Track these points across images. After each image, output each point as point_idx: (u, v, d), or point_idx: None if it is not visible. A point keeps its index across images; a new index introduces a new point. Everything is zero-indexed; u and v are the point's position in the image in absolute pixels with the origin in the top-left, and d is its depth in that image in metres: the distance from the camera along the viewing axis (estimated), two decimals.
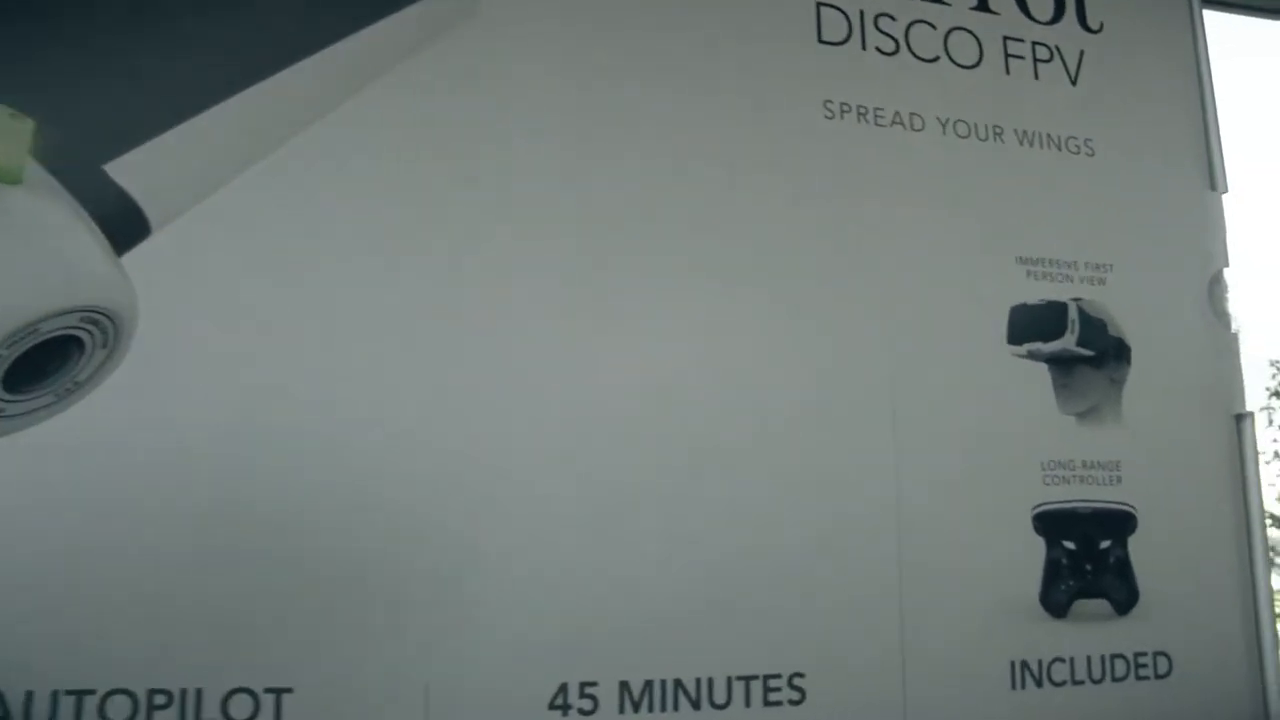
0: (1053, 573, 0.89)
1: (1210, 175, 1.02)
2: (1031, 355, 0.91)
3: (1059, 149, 0.97)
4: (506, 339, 0.80)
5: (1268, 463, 4.38)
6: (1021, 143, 0.96)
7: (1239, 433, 0.98)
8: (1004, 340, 0.91)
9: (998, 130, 0.95)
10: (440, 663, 0.74)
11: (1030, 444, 0.90)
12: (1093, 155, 0.98)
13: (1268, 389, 4.47)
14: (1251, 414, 0.98)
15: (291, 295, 0.76)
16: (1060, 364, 0.92)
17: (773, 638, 0.81)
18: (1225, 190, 1.02)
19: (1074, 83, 0.99)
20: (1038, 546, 0.89)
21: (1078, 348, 0.93)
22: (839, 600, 0.83)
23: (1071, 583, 0.89)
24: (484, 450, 0.78)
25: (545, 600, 0.77)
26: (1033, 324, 0.92)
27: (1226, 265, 1.01)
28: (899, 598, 0.84)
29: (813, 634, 0.82)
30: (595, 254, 0.84)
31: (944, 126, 0.94)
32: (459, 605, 0.75)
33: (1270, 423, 4.36)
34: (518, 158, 0.84)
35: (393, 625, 0.74)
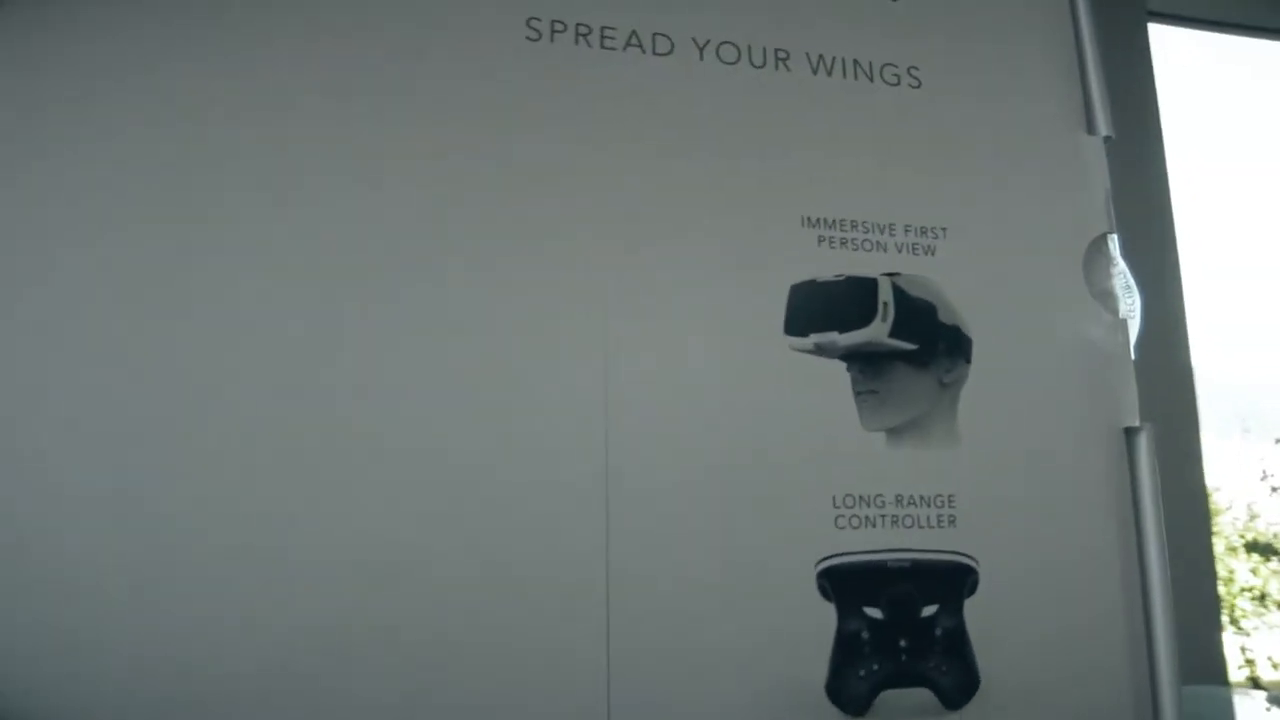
0: (847, 652, 0.63)
1: (1087, 115, 0.77)
2: (821, 350, 0.66)
3: (870, 79, 0.73)
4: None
5: None
6: (816, 70, 0.71)
7: (1130, 454, 0.72)
8: (780, 330, 0.66)
9: (781, 55, 0.71)
10: None
11: (815, 472, 0.65)
12: (918, 87, 0.73)
13: None
14: (1145, 427, 0.72)
15: None
16: (865, 362, 0.67)
17: None
18: (1107, 134, 0.77)
19: None
20: (825, 615, 0.64)
21: (891, 339, 0.68)
22: (518, 691, 0.58)
23: (876, 666, 0.64)
24: None
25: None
26: (824, 307, 0.67)
27: (1110, 230, 0.76)
28: (606, 686, 0.59)
29: None
30: (220, 212, 0.60)
31: (701, 50, 0.70)
32: None
33: None
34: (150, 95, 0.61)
35: None
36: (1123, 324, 0.72)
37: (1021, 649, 0.65)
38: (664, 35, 0.67)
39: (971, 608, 0.63)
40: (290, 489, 0.56)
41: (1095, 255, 0.72)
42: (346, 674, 0.55)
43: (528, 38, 0.65)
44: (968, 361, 0.66)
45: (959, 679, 0.62)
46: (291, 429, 0.57)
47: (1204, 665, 2.02)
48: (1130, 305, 0.76)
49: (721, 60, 0.67)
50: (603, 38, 0.66)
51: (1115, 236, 0.74)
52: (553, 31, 0.65)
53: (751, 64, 0.68)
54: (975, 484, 0.65)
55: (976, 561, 0.63)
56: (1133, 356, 0.73)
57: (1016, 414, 0.68)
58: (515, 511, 0.58)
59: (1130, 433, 0.69)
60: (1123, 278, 0.75)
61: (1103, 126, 0.75)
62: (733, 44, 0.68)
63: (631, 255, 0.62)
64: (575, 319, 0.61)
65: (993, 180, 0.71)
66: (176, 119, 0.60)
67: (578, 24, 0.65)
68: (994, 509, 0.65)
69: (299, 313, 0.58)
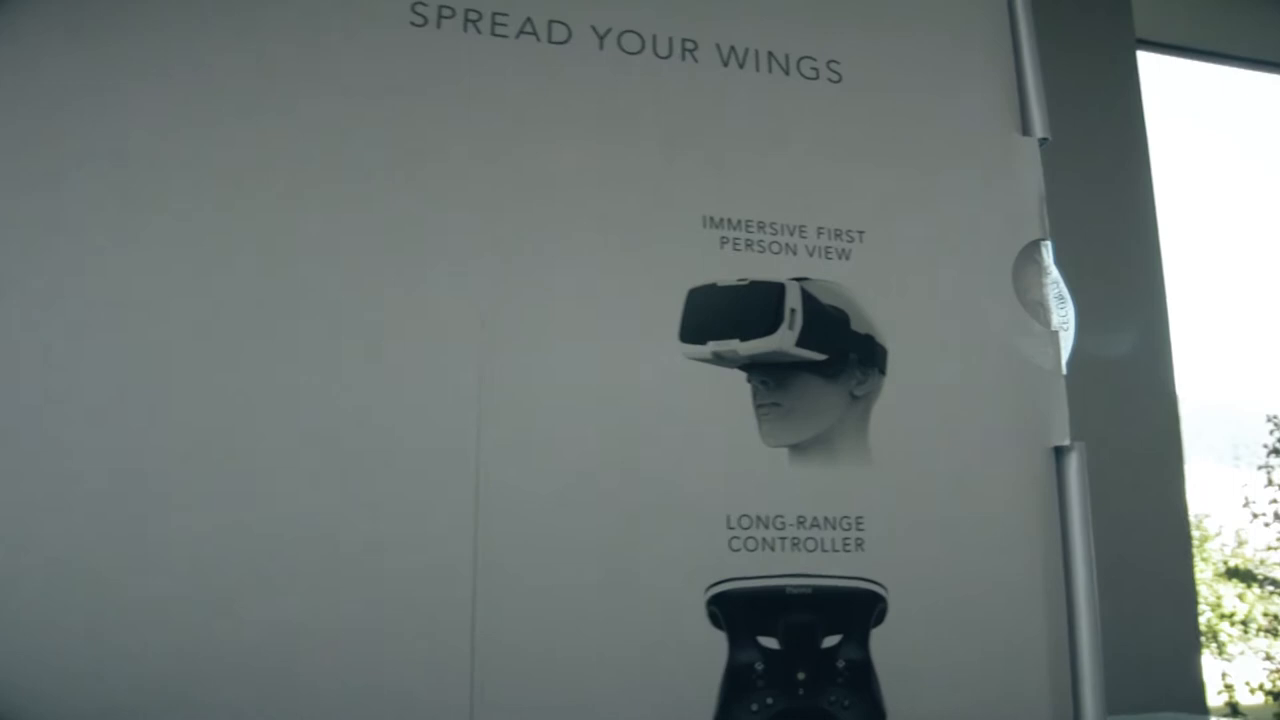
0: (739, 684, 0.58)
1: (1023, 115, 0.73)
2: (720, 359, 0.62)
3: (786, 72, 0.68)
4: None
5: (1267, 525, 3.97)
6: (726, 62, 0.67)
7: (1059, 474, 0.67)
8: (675, 337, 0.62)
9: (689, 45, 0.67)
10: None
11: (709, 490, 0.60)
12: (838, 82, 0.69)
13: (1265, 446, 4.08)
14: (1077, 446, 0.67)
15: None
16: (768, 372, 0.62)
17: None
18: (1043, 136, 0.72)
19: None
20: (716, 645, 0.59)
21: (798, 349, 0.63)
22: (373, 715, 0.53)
23: (770, 700, 0.59)
24: None
25: None
26: (725, 313, 0.62)
27: (1044, 237, 0.72)
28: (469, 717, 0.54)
29: None
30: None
31: (602, 39, 0.65)
32: None
33: (1270, 482, 3.98)
34: None
35: None
36: (1054, 336, 0.67)
37: (933, 683, 0.60)
38: (561, 23, 0.63)
39: (879, 638, 0.58)
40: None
41: (1027, 263, 0.68)
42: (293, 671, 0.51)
43: (413, 23, 0.60)
44: (882, 373, 0.62)
45: (862, 715, 0.58)
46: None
47: (1182, 691, 1.97)
48: (1064, 317, 0.71)
49: (623, 50, 0.63)
50: (494, 24, 0.61)
51: (1049, 243, 0.69)
52: (440, 17, 0.61)
53: (656, 54, 0.63)
54: (886, 505, 0.60)
55: (885, 589, 0.59)
56: (1064, 371, 0.68)
57: (935, 431, 0.63)
58: (374, 522, 0.54)
59: (1060, 452, 0.65)
60: (1056, 287, 0.70)
61: (1039, 128, 0.70)
62: (636, 33, 0.63)
63: (512, 252, 0.58)
64: (446, 320, 0.56)
65: (916, 181, 0.66)
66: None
67: (467, 10, 0.61)
68: (907, 533, 0.60)
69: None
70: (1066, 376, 0.77)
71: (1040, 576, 0.63)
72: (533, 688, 0.54)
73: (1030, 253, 0.69)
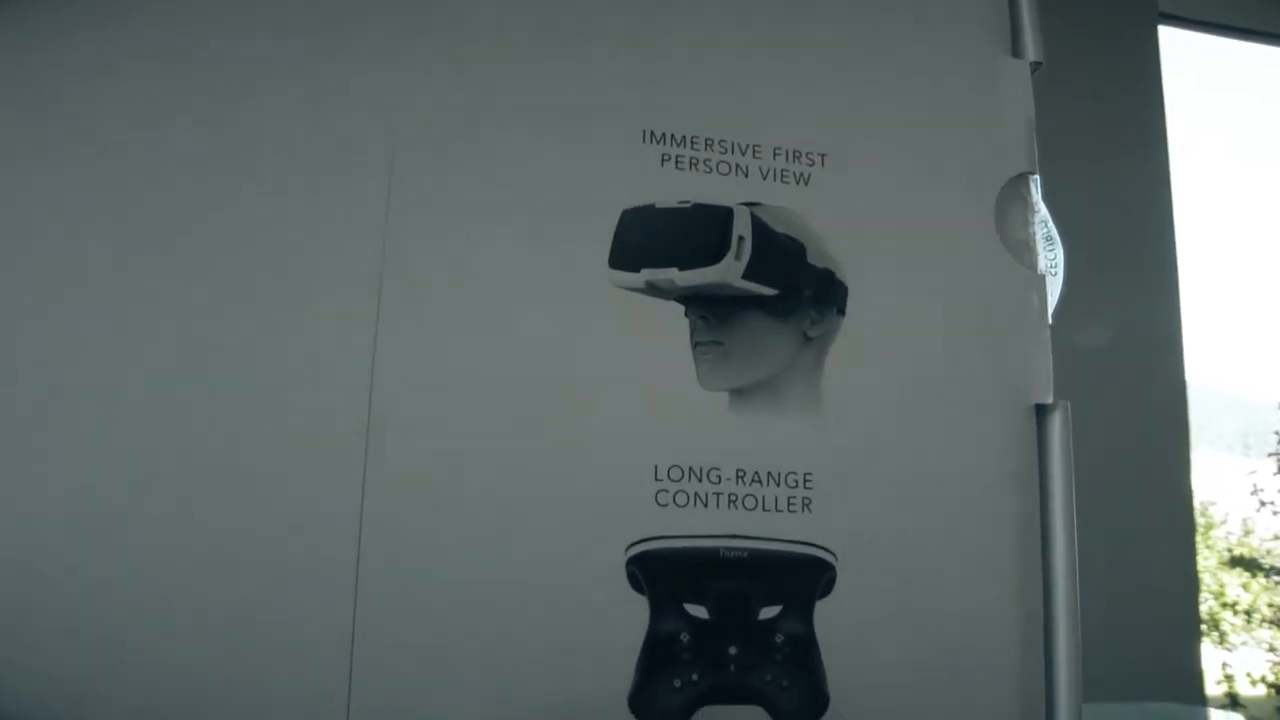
0: (660, 658, 0.51)
1: (1013, 34, 0.65)
2: (654, 289, 0.54)
3: None
4: None
5: (1276, 513, 3.89)
6: None
7: (1040, 435, 0.60)
8: (604, 263, 0.54)
9: None
10: None
11: (635, 437, 0.53)
12: None
13: (1276, 434, 4.00)
14: (1062, 405, 0.60)
15: None
16: (709, 306, 0.55)
17: None
18: (1035, 59, 0.64)
19: None
20: (636, 610, 0.52)
21: (745, 281, 0.55)
22: (248, 685, 0.47)
23: (695, 676, 0.52)
24: None
25: None
26: (663, 238, 0.55)
27: (1031, 170, 0.64)
28: (347, 692, 0.47)
29: None
30: None
31: None
32: None
33: None
34: None
35: None
36: (1040, 281, 0.60)
37: (885, 663, 0.53)
38: None
39: (824, 611, 0.51)
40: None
41: (1012, 198, 0.60)
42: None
43: None
44: (841, 313, 0.54)
45: (802, 697, 0.51)
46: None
47: (1180, 679, 1.91)
48: (1052, 260, 0.63)
49: None
50: None
51: (1037, 178, 0.62)
52: None
53: None
54: (839, 462, 0.53)
55: (835, 555, 0.51)
56: (1049, 320, 0.60)
57: (898, 381, 0.56)
58: (256, 466, 0.47)
59: (1042, 410, 0.57)
60: (1044, 227, 0.63)
61: (1031, 50, 0.62)
62: None
63: (422, 167, 0.51)
64: (347, 240, 0.49)
65: (889, 101, 0.59)
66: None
67: None
68: (861, 493, 0.53)
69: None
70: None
71: (1012, 546, 0.56)
72: (418, 655, 0.47)
73: (1017, 186, 0.61)
